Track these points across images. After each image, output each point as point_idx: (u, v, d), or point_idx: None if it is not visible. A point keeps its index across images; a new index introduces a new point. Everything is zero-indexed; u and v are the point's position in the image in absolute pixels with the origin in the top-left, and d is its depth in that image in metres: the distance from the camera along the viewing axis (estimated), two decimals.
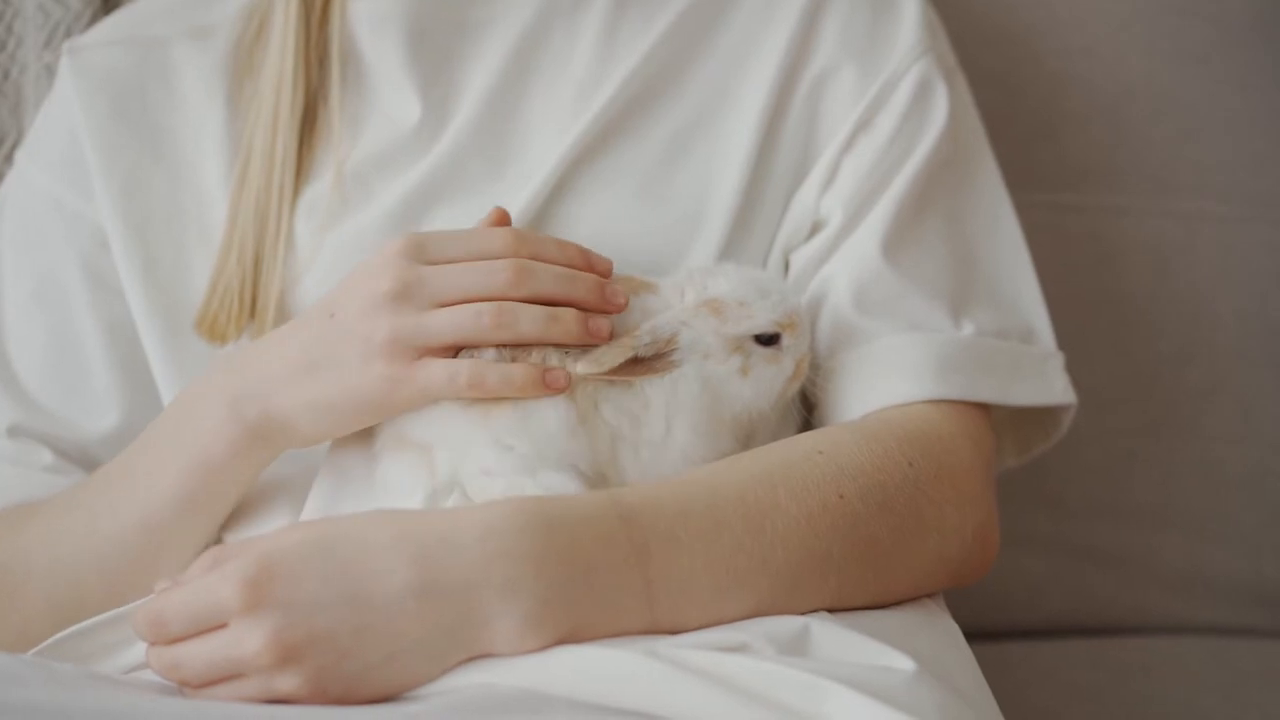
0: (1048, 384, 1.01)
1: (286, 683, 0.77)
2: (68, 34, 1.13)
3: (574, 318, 0.87)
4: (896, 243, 0.98)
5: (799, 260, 1.00)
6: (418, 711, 0.75)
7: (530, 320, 0.86)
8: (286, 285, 0.98)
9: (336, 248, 0.98)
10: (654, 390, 0.88)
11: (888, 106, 1.00)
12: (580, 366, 0.87)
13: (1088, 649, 1.18)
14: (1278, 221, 1.23)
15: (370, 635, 0.77)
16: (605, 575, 0.80)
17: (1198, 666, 1.16)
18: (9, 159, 1.15)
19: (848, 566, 0.87)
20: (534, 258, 0.88)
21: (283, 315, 0.98)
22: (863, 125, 1.00)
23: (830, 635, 0.80)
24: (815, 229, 1.00)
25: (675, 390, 0.88)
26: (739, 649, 0.78)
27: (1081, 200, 1.23)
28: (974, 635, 0.92)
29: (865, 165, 0.99)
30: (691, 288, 0.90)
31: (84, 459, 1.01)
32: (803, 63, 1.01)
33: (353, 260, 0.97)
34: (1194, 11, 1.22)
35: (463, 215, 0.99)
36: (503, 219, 0.91)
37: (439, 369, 0.87)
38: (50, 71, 1.14)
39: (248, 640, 0.77)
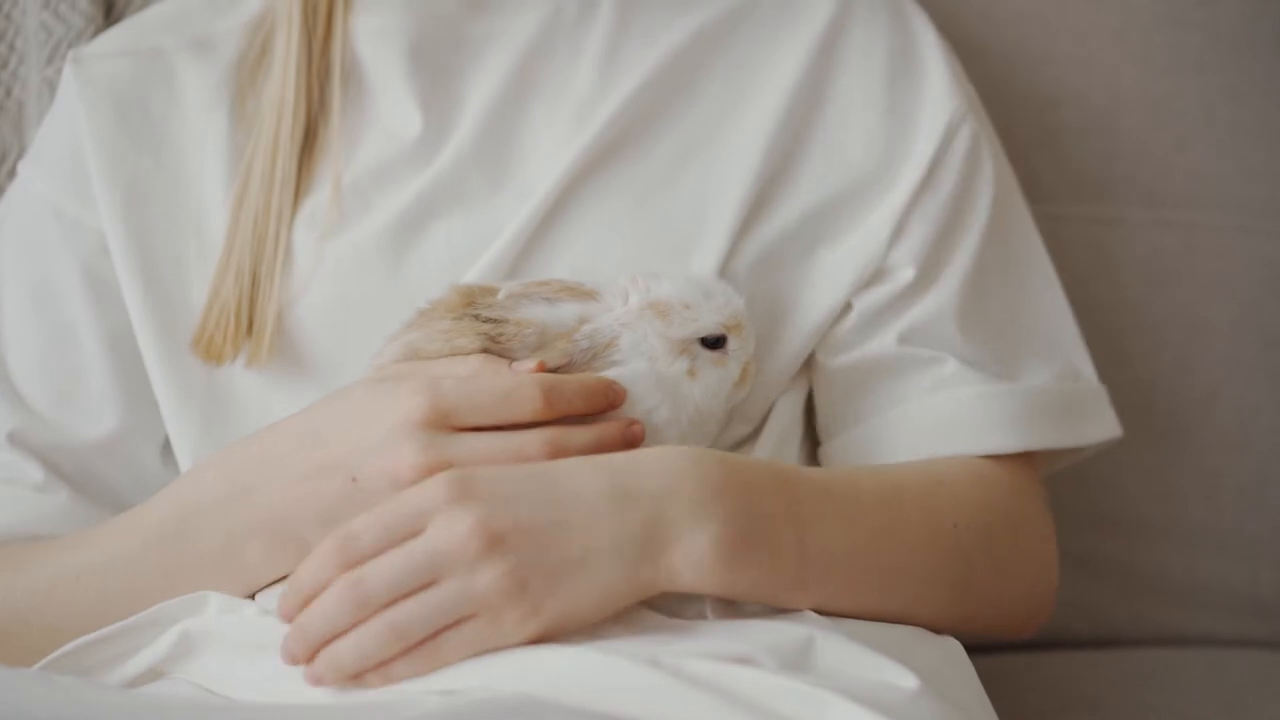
0: (1104, 420, 1.05)
1: (487, 575, 0.78)
2: (69, 51, 1.13)
3: None
4: (971, 301, 1.01)
5: (864, 305, 1.00)
6: (414, 717, 0.74)
7: None
8: (285, 304, 0.99)
9: (336, 261, 0.98)
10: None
11: (947, 165, 1.01)
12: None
13: (1087, 660, 1.18)
14: (1274, 232, 1.23)
15: (568, 530, 0.80)
16: (770, 523, 0.84)
17: (1197, 677, 1.16)
18: (11, 175, 1.15)
19: (943, 593, 0.92)
20: (562, 414, 0.86)
21: (280, 333, 0.98)
22: (927, 184, 1.01)
23: (834, 648, 0.80)
24: (880, 275, 1.01)
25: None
26: (741, 661, 0.78)
27: (1077, 211, 1.23)
28: (974, 647, 0.93)
29: (933, 224, 1.00)
30: (635, 291, 0.91)
31: (77, 468, 1.01)
32: (818, 94, 1.02)
33: (351, 277, 0.97)
34: (1188, 23, 1.23)
35: (460, 229, 0.99)
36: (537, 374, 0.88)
37: None
38: (52, 87, 1.14)
39: (453, 529, 0.78)
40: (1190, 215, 1.23)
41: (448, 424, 0.85)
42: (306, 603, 0.80)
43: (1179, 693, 1.13)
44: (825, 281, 1.00)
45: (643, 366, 0.89)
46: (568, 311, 0.90)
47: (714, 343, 0.91)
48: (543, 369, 0.88)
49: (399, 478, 0.84)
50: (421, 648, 0.79)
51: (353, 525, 0.80)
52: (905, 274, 1.00)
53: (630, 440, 0.87)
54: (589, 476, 0.82)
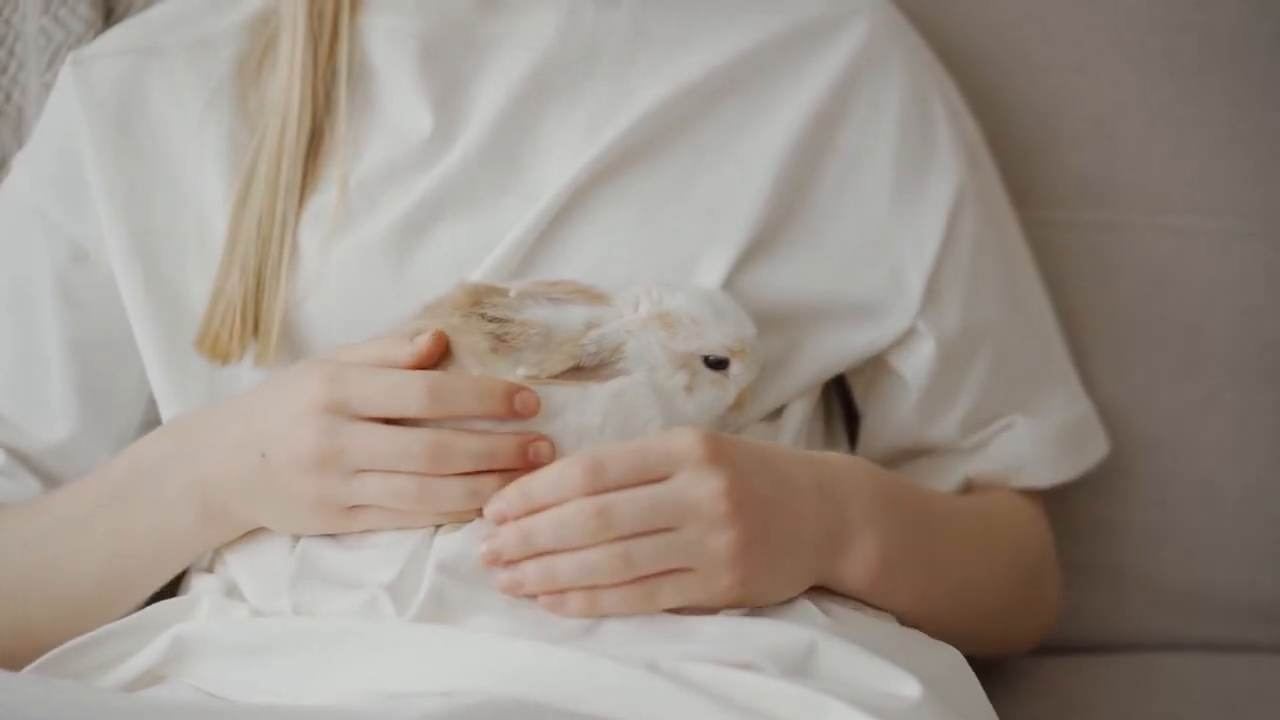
0: (1100, 438, 1.14)
1: (723, 537, 0.83)
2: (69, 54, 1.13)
3: (494, 487, 0.87)
4: (1005, 369, 1.07)
5: (915, 379, 1.04)
6: (415, 717, 0.75)
7: (451, 500, 0.87)
8: (291, 304, 0.99)
9: (341, 261, 0.99)
10: (599, 393, 0.89)
11: (962, 230, 1.04)
12: (521, 370, 0.88)
13: (1085, 666, 1.18)
14: (1273, 236, 1.23)
15: (789, 514, 0.85)
16: (913, 540, 0.91)
17: (1195, 682, 1.16)
18: None
19: (1012, 613, 1.05)
20: (452, 415, 0.87)
21: (288, 334, 0.99)
22: (947, 248, 1.04)
23: (836, 653, 0.81)
24: (913, 337, 1.04)
25: (620, 395, 0.89)
26: (741, 666, 0.79)
27: (1076, 217, 1.23)
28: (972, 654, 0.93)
29: (960, 290, 1.04)
30: (646, 300, 0.91)
31: (38, 466, 1.03)
32: (830, 133, 1.03)
33: (357, 277, 0.98)
34: (1186, 27, 1.22)
35: (466, 231, 0.99)
36: (434, 350, 0.90)
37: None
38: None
39: (705, 485, 0.83)
40: (1189, 220, 1.23)
41: (346, 412, 0.87)
42: (534, 510, 0.83)
43: (1178, 699, 1.13)
44: (844, 323, 1.02)
45: (643, 376, 0.89)
46: (575, 315, 0.90)
47: (716, 363, 0.91)
48: (440, 339, 0.89)
49: (297, 457, 0.87)
50: (639, 587, 0.83)
51: (601, 454, 0.84)
52: (941, 340, 1.03)
53: (532, 458, 0.87)
54: (801, 469, 0.88)
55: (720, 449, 0.84)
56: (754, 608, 0.85)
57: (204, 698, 0.84)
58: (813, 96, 1.02)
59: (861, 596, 0.90)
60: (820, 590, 0.89)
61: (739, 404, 0.93)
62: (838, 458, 0.92)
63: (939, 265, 1.03)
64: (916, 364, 1.04)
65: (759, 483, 0.85)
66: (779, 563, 0.85)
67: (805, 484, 0.87)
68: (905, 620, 0.92)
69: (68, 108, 1.04)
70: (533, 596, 0.84)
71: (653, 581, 0.83)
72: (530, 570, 0.83)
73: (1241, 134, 1.23)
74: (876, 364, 1.06)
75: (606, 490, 0.83)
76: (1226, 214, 1.23)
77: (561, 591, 0.83)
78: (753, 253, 0.99)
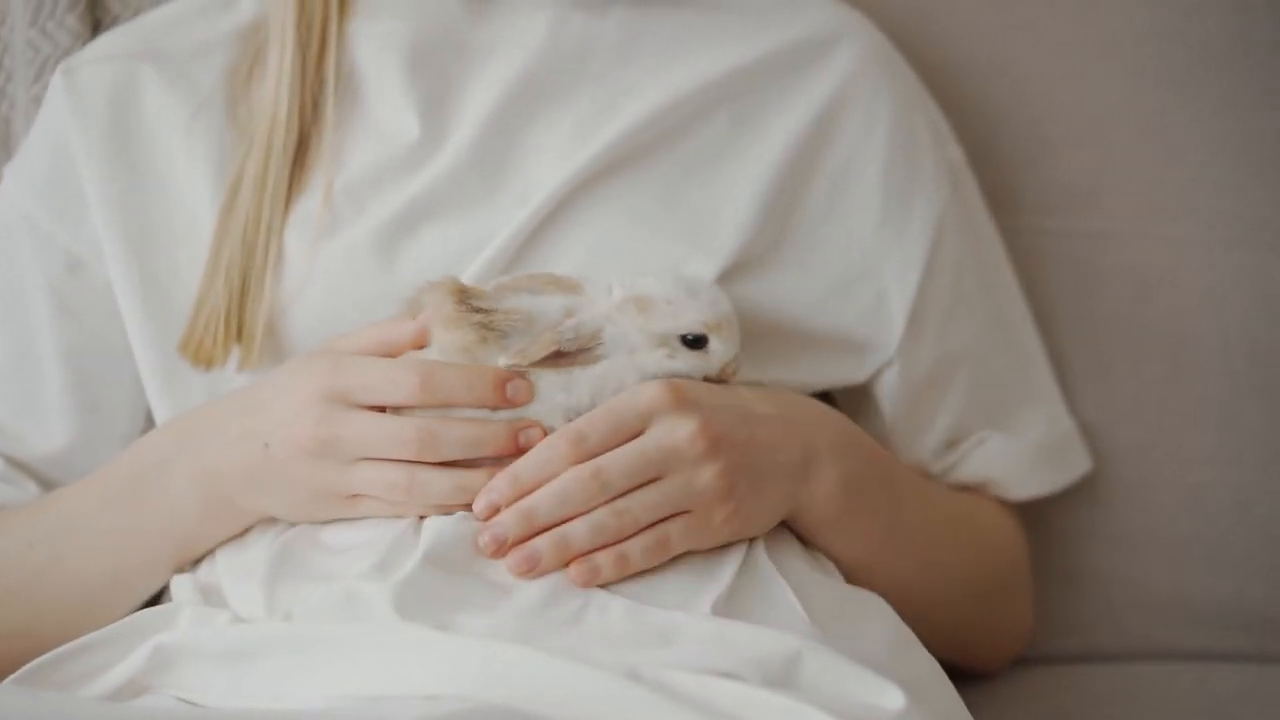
0: (1081, 455, 1.17)
1: (707, 473, 0.87)
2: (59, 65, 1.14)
3: (482, 483, 0.88)
4: (985, 391, 1.09)
5: (893, 405, 1.06)
6: None
7: (439, 493, 0.88)
8: (279, 309, 0.99)
9: (328, 264, 0.99)
10: (584, 376, 0.90)
11: (943, 259, 1.05)
12: (503, 359, 0.89)
13: (1071, 675, 1.18)
14: (1262, 244, 1.23)
15: (759, 444, 0.89)
16: (876, 485, 0.95)
17: (1181, 692, 1.16)
18: None
19: (975, 605, 1.07)
20: (445, 402, 0.88)
21: (275, 337, 0.99)
22: (928, 276, 1.04)
23: (821, 662, 0.81)
24: (894, 363, 1.05)
25: (605, 376, 0.90)
26: (724, 675, 0.78)
27: (1065, 225, 1.23)
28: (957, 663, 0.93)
29: (939, 316, 1.06)
30: (620, 285, 0.92)
31: (36, 474, 1.03)
32: (817, 156, 1.04)
33: (345, 279, 0.98)
34: (1177, 36, 1.23)
35: (455, 234, 1.00)
36: (419, 337, 0.92)
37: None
38: (40, 105, 1.14)
39: (680, 429, 0.87)
40: (1178, 228, 1.23)
41: (346, 400, 0.89)
42: (525, 492, 0.86)
43: (1165, 708, 1.13)
44: (826, 351, 1.03)
45: (623, 360, 0.90)
46: (553, 304, 0.91)
47: (695, 341, 0.91)
48: (423, 330, 0.91)
49: (298, 446, 0.89)
50: (651, 535, 0.86)
51: (579, 425, 0.87)
52: (917, 369, 1.05)
53: (523, 444, 0.88)
54: (763, 402, 0.91)
55: (684, 394, 0.88)
56: (746, 537, 0.89)
57: (187, 708, 0.84)
58: (803, 116, 1.03)
59: (826, 530, 0.93)
60: (811, 579, 0.90)
61: (724, 377, 0.93)
62: (799, 395, 0.96)
63: (921, 293, 1.04)
64: (892, 390, 1.05)
65: (727, 417, 0.88)
66: (763, 488, 0.89)
67: (769, 413, 0.91)
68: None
69: (58, 116, 1.04)
70: (532, 573, 0.85)
71: (660, 528, 0.86)
72: (542, 544, 0.85)
73: (1231, 142, 1.23)
74: (858, 387, 1.06)
75: (593, 455, 0.86)
76: (1216, 222, 1.23)
77: (581, 557, 0.85)
78: (739, 268, 1.00)
